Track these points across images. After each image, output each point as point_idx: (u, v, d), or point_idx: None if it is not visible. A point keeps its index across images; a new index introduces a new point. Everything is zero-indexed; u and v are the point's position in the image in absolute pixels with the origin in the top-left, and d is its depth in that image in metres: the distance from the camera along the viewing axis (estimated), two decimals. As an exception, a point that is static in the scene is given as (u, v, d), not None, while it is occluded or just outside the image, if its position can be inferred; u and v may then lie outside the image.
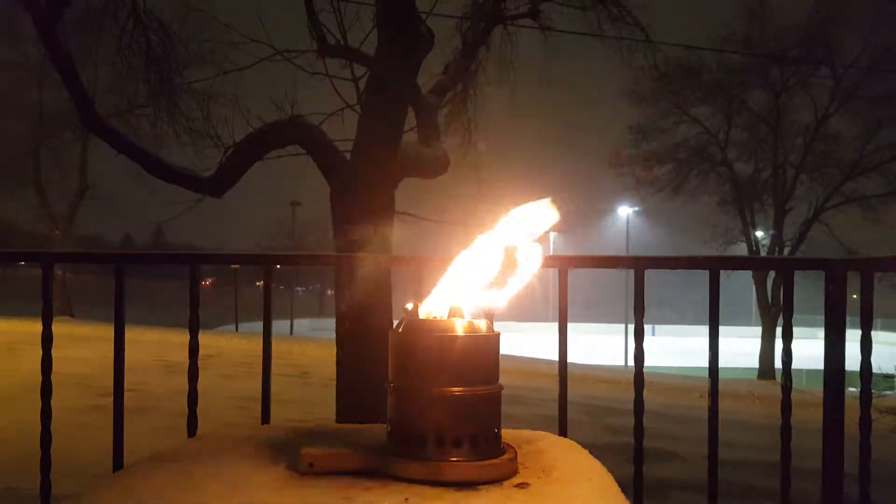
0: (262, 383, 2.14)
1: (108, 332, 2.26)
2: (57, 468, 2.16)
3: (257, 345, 2.31)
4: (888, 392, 11.05)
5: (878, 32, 19.85)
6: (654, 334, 40.01)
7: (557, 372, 2.07)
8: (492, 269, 1.10)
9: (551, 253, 2.01)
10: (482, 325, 1.07)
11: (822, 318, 2.09)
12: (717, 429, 2.04)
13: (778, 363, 5.52)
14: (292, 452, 1.08)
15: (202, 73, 7.16)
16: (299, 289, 52.59)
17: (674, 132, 22.52)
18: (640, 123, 22.49)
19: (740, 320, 42.48)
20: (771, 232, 22.59)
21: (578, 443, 1.25)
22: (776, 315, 20.27)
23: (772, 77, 21.29)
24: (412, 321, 1.06)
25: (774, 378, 18.89)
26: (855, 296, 2.02)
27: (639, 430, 2.05)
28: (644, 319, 2.06)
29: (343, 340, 4.39)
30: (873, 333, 2.04)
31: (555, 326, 2.09)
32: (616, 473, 1.11)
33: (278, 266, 2.50)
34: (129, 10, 5.81)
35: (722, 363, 2.07)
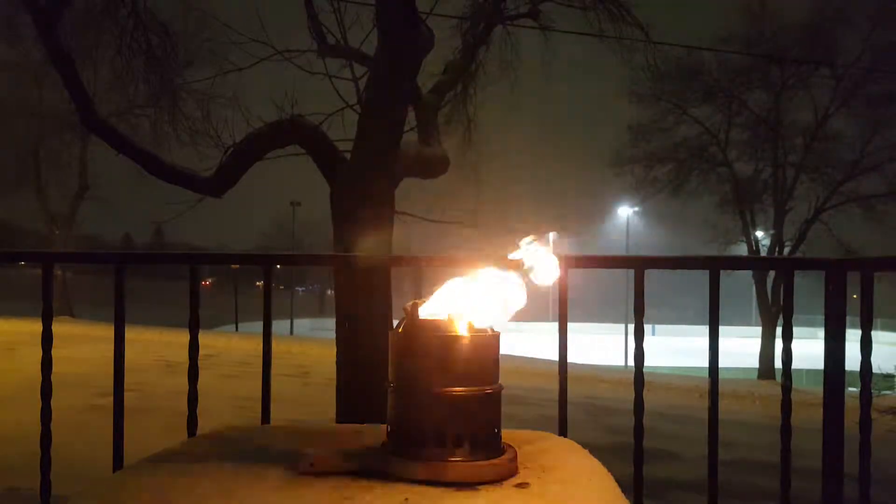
0: (262, 383, 2.14)
1: (108, 331, 2.26)
2: (57, 468, 2.16)
3: (257, 345, 2.31)
4: (888, 392, 11.05)
5: (878, 32, 19.86)
6: (654, 334, 40.01)
7: (557, 372, 2.07)
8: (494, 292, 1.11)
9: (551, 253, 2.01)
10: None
11: (822, 318, 2.09)
12: (717, 429, 2.03)
13: (778, 363, 5.51)
14: (292, 452, 1.08)
15: (202, 73, 7.17)
16: (299, 289, 52.59)
17: (674, 132, 22.53)
18: (640, 123, 22.50)
19: (740, 320, 42.45)
20: (771, 232, 22.58)
21: (578, 443, 1.25)
22: (776, 315, 20.27)
23: (772, 77, 21.29)
24: (412, 321, 1.06)
25: (774, 378, 18.89)
26: (855, 296, 2.02)
27: (639, 430, 2.05)
28: (644, 319, 2.06)
29: (343, 340, 4.39)
30: (873, 333, 2.04)
31: (555, 326, 2.09)
32: (616, 473, 1.11)
33: (278, 266, 2.50)
34: (129, 10, 5.81)
35: (722, 363, 2.07)
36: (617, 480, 1.09)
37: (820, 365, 2.11)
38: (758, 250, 22.14)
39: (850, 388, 2.21)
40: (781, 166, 21.72)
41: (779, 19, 21.25)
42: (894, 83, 19.70)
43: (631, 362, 2.19)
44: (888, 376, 11.39)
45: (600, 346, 28.36)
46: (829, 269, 2.08)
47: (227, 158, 5.00)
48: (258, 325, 2.60)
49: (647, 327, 2.31)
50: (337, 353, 4.41)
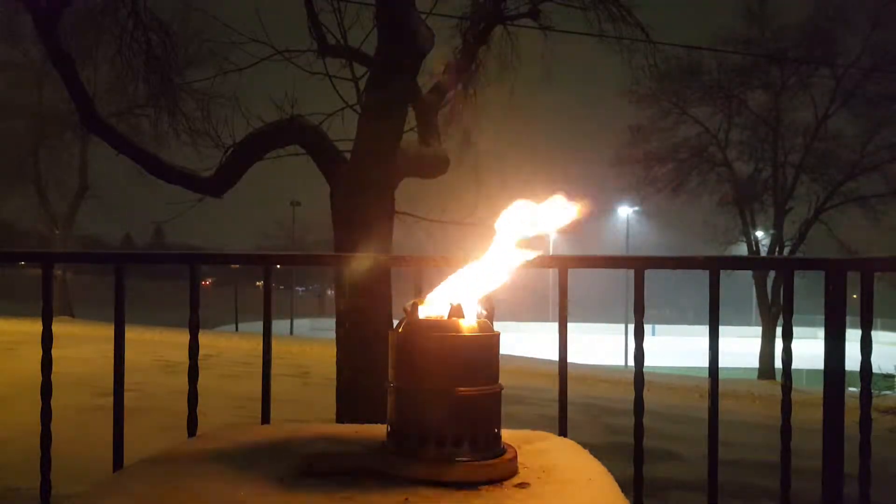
0: (262, 383, 2.14)
1: (108, 331, 2.26)
2: (57, 468, 2.16)
3: (257, 345, 2.31)
4: (888, 392, 11.07)
5: (878, 32, 19.88)
6: (654, 334, 40.02)
7: (557, 372, 2.07)
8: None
9: (551, 253, 2.02)
10: (482, 324, 1.07)
11: (822, 318, 2.09)
12: (717, 429, 2.03)
13: (778, 363, 5.51)
14: (292, 452, 1.08)
15: (202, 73, 7.16)
16: (299, 289, 52.62)
17: (674, 132, 22.54)
18: (640, 123, 22.51)
19: (740, 320, 42.46)
20: (771, 232, 22.60)
21: (578, 443, 1.25)
22: (776, 315, 20.29)
23: (772, 77, 21.30)
24: (412, 321, 1.06)
25: (774, 378, 18.90)
26: (855, 296, 2.02)
27: (639, 430, 2.05)
28: (644, 319, 2.06)
29: (343, 341, 4.39)
30: (873, 333, 2.04)
31: (555, 327, 2.09)
32: (616, 473, 1.11)
33: (278, 266, 2.50)
34: (129, 9, 5.81)
35: (722, 363, 2.07)
36: (617, 480, 1.08)
37: (820, 365, 2.11)
38: (758, 250, 22.15)
39: (850, 388, 2.21)
40: (781, 166, 21.74)
41: (779, 19, 21.30)
42: (894, 83, 19.71)
43: (631, 362, 2.19)
44: (888, 376, 11.40)
45: (600, 346, 28.36)
46: (829, 269, 2.08)
47: (227, 158, 5.00)
48: (258, 325, 2.60)
49: (648, 327, 2.31)
50: (337, 353, 4.41)
